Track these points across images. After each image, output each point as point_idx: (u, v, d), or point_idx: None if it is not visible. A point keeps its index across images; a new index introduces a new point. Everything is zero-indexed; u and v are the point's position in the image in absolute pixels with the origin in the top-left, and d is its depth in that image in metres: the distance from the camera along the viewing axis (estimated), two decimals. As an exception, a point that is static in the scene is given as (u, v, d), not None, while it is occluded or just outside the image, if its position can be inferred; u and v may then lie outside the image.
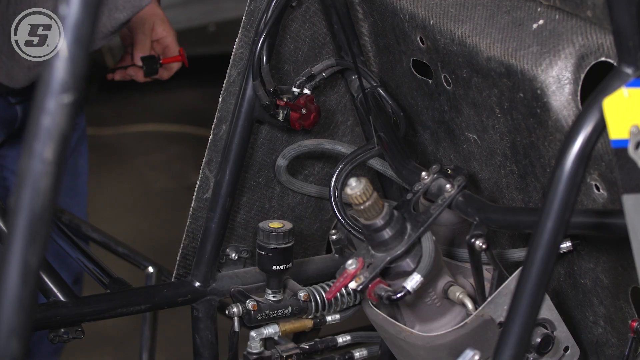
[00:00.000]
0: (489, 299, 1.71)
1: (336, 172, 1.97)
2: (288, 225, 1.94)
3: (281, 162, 2.10)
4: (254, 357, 1.99)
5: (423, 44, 1.89)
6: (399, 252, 1.70)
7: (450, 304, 1.80)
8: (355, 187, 1.64)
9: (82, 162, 2.58)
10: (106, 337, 3.42)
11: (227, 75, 1.98)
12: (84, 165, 2.59)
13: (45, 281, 1.93)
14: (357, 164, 2.01)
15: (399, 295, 1.68)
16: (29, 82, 1.88)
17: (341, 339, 2.09)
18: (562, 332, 1.77)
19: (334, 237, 2.08)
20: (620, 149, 1.31)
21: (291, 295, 1.99)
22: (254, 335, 1.98)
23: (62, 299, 1.93)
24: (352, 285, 1.70)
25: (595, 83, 1.37)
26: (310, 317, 2.02)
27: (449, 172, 1.81)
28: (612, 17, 1.31)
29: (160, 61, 2.45)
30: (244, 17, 1.94)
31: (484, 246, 1.69)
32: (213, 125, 2.01)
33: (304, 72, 2.04)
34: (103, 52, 5.16)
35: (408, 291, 1.68)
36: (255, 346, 1.99)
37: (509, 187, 1.85)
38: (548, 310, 1.75)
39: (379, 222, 1.68)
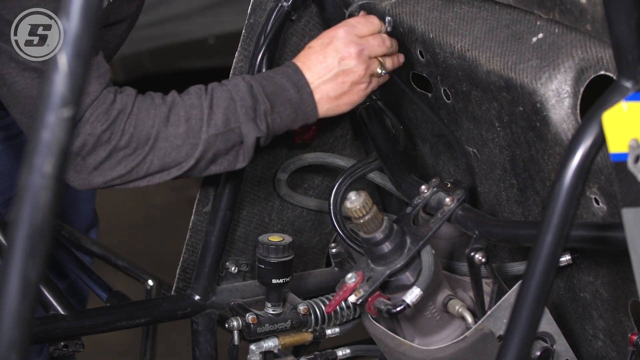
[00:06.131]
0: (489, 312, 1.71)
1: (336, 186, 1.97)
2: (288, 239, 1.94)
3: (281, 175, 2.10)
4: (254, 370, 1.99)
5: (422, 57, 1.89)
6: (398, 265, 1.70)
7: (449, 318, 1.80)
8: (354, 200, 1.64)
9: None
10: (106, 350, 3.41)
11: (227, 89, 1.98)
12: None
13: (45, 294, 1.93)
14: (356, 178, 2.01)
15: (398, 308, 1.68)
16: None
17: (341, 352, 2.09)
18: (561, 346, 1.77)
19: (334, 250, 2.08)
20: (619, 162, 1.31)
21: (291, 309, 1.99)
22: (254, 348, 1.98)
23: (62, 312, 1.93)
24: (352, 298, 1.70)
25: (594, 96, 1.37)
26: (310, 330, 2.02)
27: (449, 185, 1.81)
28: (612, 30, 1.31)
29: None
30: (243, 31, 1.94)
31: (483, 260, 1.69)
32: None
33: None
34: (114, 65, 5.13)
35: (408, 305, 1.68)
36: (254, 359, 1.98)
37: (508, 200, 1.85)
38: (547, 324, 1.74)
39: (379, 235, 1.68)
